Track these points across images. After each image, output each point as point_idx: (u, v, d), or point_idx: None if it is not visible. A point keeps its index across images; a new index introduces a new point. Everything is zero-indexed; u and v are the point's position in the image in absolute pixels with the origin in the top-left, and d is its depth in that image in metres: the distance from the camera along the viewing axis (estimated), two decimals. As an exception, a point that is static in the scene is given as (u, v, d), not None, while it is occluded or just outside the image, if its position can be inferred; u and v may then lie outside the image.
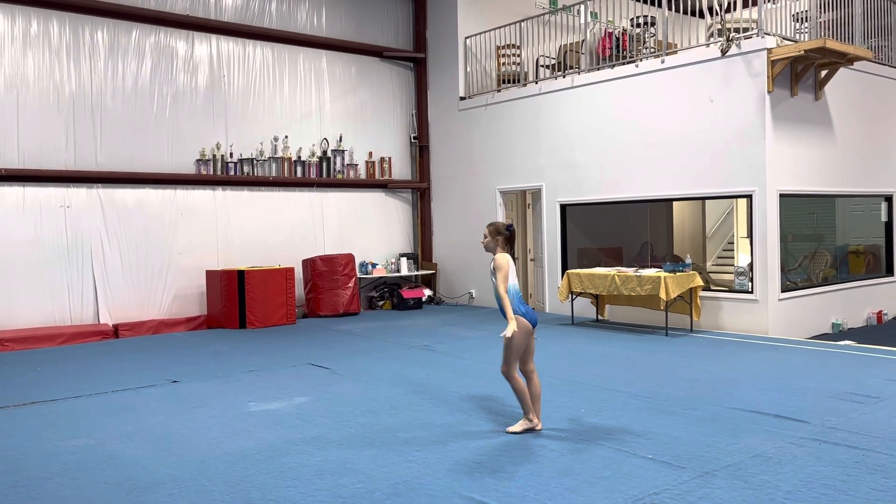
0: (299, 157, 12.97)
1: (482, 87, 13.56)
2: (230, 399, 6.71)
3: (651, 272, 9.77)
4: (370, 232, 13.87)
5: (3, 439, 5.52)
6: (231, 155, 12.16)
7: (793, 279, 10.23)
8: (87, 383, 7.43)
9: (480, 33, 13.43)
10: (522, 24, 12.68)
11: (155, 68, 11.47)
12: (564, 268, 11.92)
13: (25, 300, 10.23)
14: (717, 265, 13.14)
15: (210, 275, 11.62)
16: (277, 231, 12.66)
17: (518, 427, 5.45)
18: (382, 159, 14.06)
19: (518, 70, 12.88)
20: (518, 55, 12.88)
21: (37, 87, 10.44)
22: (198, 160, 11.83)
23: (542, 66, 12.87)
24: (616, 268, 10.59)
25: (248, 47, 12.47)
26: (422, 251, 14.57)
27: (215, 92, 12.07)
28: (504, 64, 13.03)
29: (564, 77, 11.97)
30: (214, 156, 11.95)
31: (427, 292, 13.75)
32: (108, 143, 10.98)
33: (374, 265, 13.59)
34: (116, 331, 10.79)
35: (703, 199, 10.85)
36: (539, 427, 5.46)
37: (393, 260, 14.00)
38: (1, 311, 10.03)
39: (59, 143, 10.59)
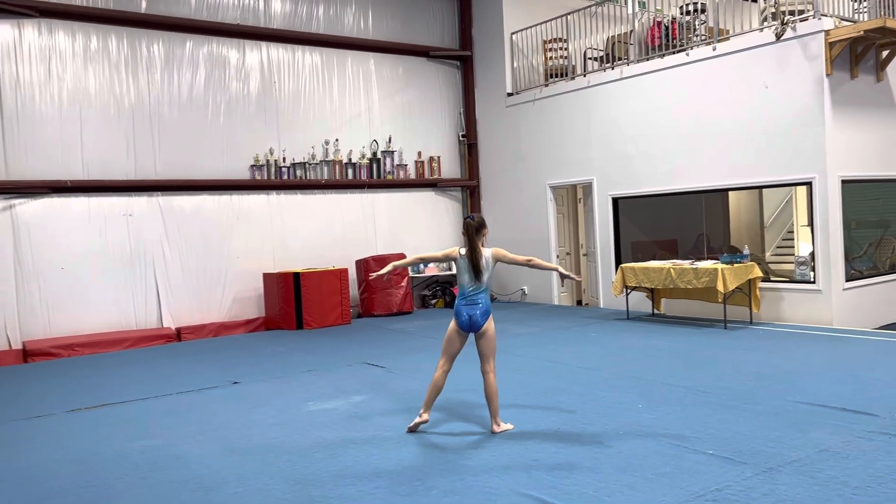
0: (350, 160, 13.13)
1: (529, 83, 13.49)
2: (289, 399, 6.85)
3: (708, 264, 9.58)
4: (421, 231, 13.95)
5: (76, 441, 5.76)
6: (284, 159, 12.39)
7: (857, 267, 9.89)
8: (153, 386, 7.68)
9: (526, 28, 13.36)
10: (569, 17, 12.56)
11: (209, 77, 11.76)
12: (618, 262, 11.78)
13: (93, 306, 10.62)
14: (776, 255, 12.78)
15: (267, 277, 11.87)
16: (330, 233, 12.84)
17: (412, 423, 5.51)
18: (431, 158, 14.12)
19: (565, 64, 12.77)
20: (565, 49, 12.77)
21: (98, 100, 10.82)
22: (252, 165, 12.09)
23: (589, 58, 12.73)
24: (671, 260, 10.40)
25: (297, 53, 12.68)
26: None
27: (267, 98, 12.31)
28: (551, 58, 12.94)
29: (613, 69, 11.82)
30: (268, 161, 12.19)
31: (479, 290, 13.75)
32: (165, 151, 11.32)
33: (426, 264, 13.66)
34: (179, 334, 11.11)
35: (761, 188, 10.57)
36: (425, 419, 5.48)
37: (445, 258, 14.03)
38: (71, 318, 10.44)
39: (121, 154, 10.96)
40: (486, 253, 5.53)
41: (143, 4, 11.17)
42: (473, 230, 5.50)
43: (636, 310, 11.13)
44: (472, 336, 5.61)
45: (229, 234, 11.87)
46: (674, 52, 10.92)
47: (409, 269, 13.30)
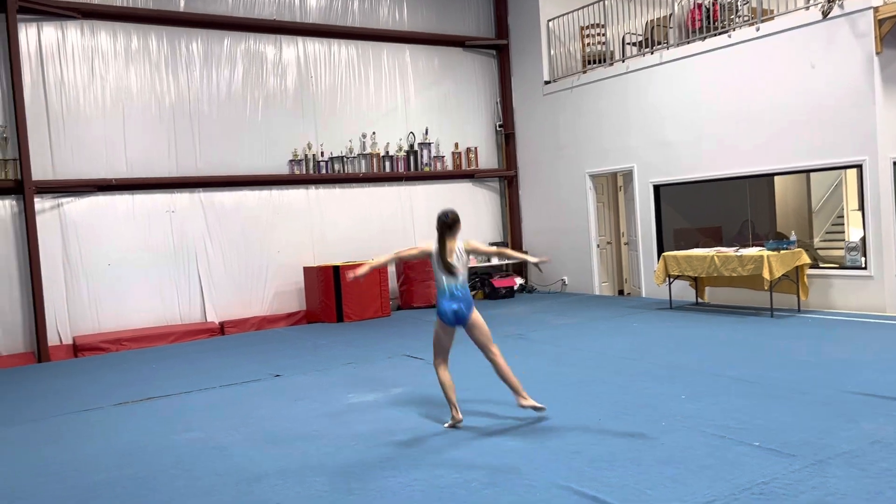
0: (387, 152, 13.14)
1: (567, 70, 13.31)
2: (330, 391, 6.89)
3: (753, 251, 9.34)
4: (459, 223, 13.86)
5: (122, 433, 5.88)
6: (322, 154, 12.46)
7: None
8: (197, 379, 7.80)
9: (563, 15, 13.17)
10: (606, 2, 12.34)
11: (246, 74, 11.87)
12: (660, 250, 11.57)
13: (139, 301, 10.84)
14: (825, 241, 12.40)
15: (307, 271, 11.97)
16: (369, 226, 12.88)
17: (448, 423, 5.40)
18: (468, 149, 14.05)
19: (603, 50, 12.56)
20: (603, 34, 12.56)
21: (140, 99, 11.01)
22: (290, 160, 12.18)
23: (628, 43, 12.50)
24: (715, 248, 10.17)
25: (332, 46, 12.71)
26: (511, 239, 14.49)
27: (304, 93, 12.38)
28: (589, 44, 12.74)
29: (653, 53, 11.58)
30: (306, 155, 12.28)
31: (518, 281, 13.68)
32: (206, 148, 11.47)
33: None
34: (222, 328, 11.28)
35: (808, 171, 10.26)
36: (460, 420, 5.36)
37: (483, 249, 13.97)
38: (118, 313, 10.68)
39: (162, 152, 11.14)
40: (459, 245, 5.50)
41: (182, 3, 11.32)
42: (447, 227, 5.48)
43: (679, 299, 10.92)
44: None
45: (270, 229, 11.99)
46: (715, 35, 10.65)
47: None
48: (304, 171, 12.25)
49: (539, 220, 14.08)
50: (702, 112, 10.80)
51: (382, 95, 13.22)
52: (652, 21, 12.09)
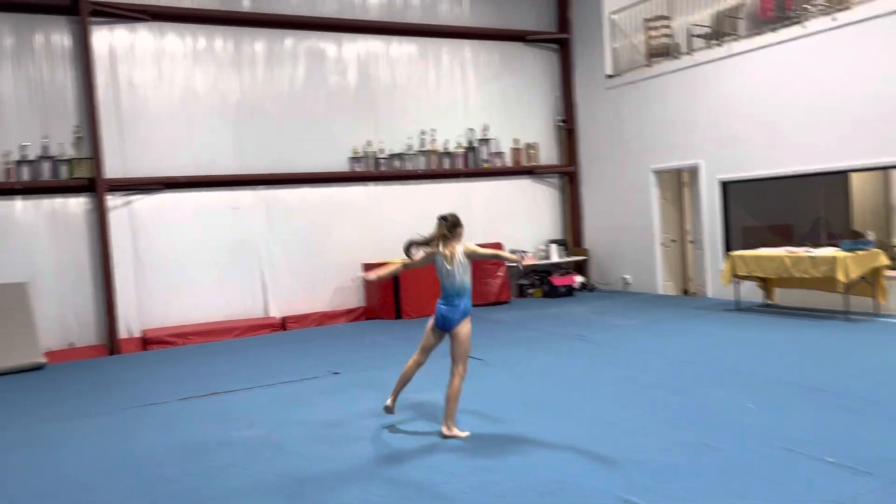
0: (446, 149, 13.10)
1: (631, 64, 12.99)
2: (387, 390, 6.81)
3: (826, 252, 8.93)
4: (518, 219, 13.77)
5: (186, 428, 6.01)
6: (381, 151, 12.50)
7: None
8: (259, 375, 7.93)
9: (627, 7, 12.86)
10: (672, -7, 11.99)
11: (308, 72, 12.00)
12: (727, 249, 11.20)
13: (204, 297, 11.11)
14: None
15: (366, 268, 12.03)
16: (427, 222, 12.64)
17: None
18: (528, 145, 13.89)
19: (669, 42, 12.21)
20: (668, 27, 12.20)
21: (206, 98, 11.25)
22: (351, 158, 12.27)
23: (695, 35, 12.09)
24: (786, 248, 9.78)
25: (393, 44, 12.73)
26: (572, 237, 14.27)
27: (364, 90, 12.45)
28: (653, 37, 12.40)
29: (721, 45, 11.19)
30: (366, 153, 12.34)
31: (578, 279, 13.46)
32: (269, 146, 11.65)
33: (523, 253, 13.47)
34: (284, 323, 11.46)
35: (889, 168, 9.74)
36: (390, 408, 5.51)
37: (542, 247, 13.82)
38: (184, 307, 10.96)
39: (227, 150, 11.37)
40: (459, 249, 5.33)
41: (247, 3, 11.50)
42: (447, 230, 5.35)
43: (747, 299, 10.55)
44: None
45: (330, 226, 12.11)
46: (788, 25, 10.20)
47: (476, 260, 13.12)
48: (364, 169, 12.32)
49: (600, 217, 13.82)
50: (773, 106, 10.38)
51: (442, 92, 13.18)
52: (721, 12, 11.66)
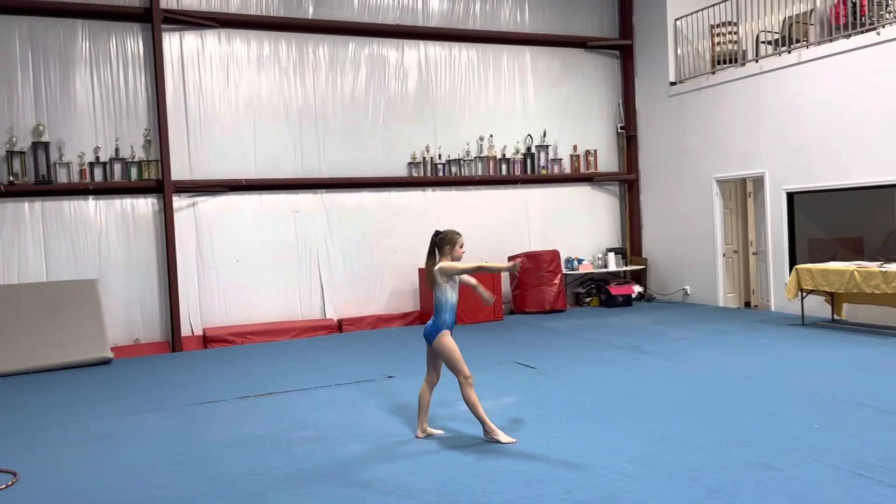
0: (504, 155, 13.08)
1: (694, 70, 12.75)
2: (440, 396, 6.86)
3: (899, 267, 8.57)
4: (576, 227, 13.64)
5: (243, 428, 6.14)
6: (439, 156, 12.57)
7: None
8: (314, 376, 8.05)
9: (692, 13, 12.62)
10: (739, -2, 11.72)
11: (369, 78, 12.15)
12: (792, 262, 10.86)
13: (263, 297, 11.35)
14: None
15: (422, 272, 12.10)
16: (483, 229, 12.86)
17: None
18: (588, 152, 13.75)
19: (735, 49, 11.93)
20: (735, 33, 11.93)
21: (269, 103, 11.51)
22: (409, 163, 12.37)
23: (762, 42, 11.80)
24: (855, 262, 9.43)
25: (453, 50, 12.79)
26: (631, 246, 14.06)
27: (424, 96, 12.53)
28: (719, 43, 12.14)
29: (790, 52, 10.88)
30: (424, 158, 12.42)
31: (637, 289, 13.25)
32: (329, 150, 11.84)
33: (580, 261, 13.35)
34: (340, 325, 11.61)
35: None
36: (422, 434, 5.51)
37: (600, 255, 13.66)
38: (244, 307, 11.22)
39: (289, 154, 11.60)
40: (435, 267, 5.32)
41: (311, 10, 11.72)
42: (434, 246, 5.36)
43: (813, 314, 10.20)
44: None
45: (387, 230, 12.23)
46: (862, 32, 9.85)
47: (564, 266, 13.05)
48: (422, 174, 12.40)
49: (661, 226, 13.58)
50: (844, 115, 10.03)
51: (501, 98, 13.17)
52: (790, 18, 11.35)
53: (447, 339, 5.45)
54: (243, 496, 4.53)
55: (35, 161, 10.06)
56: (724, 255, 12.34)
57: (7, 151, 9.95)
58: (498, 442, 5.30)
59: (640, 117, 13.89)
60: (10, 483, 4.94)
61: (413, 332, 11.11)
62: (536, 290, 12.36)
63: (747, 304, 12.53)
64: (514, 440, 5.33)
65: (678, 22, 12.90)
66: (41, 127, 10.13)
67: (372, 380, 7.79)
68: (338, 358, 9.21)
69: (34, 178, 10.06)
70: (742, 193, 12.63)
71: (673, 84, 13.03)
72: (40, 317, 9.57)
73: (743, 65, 11.71)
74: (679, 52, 13.00)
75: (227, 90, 11.25)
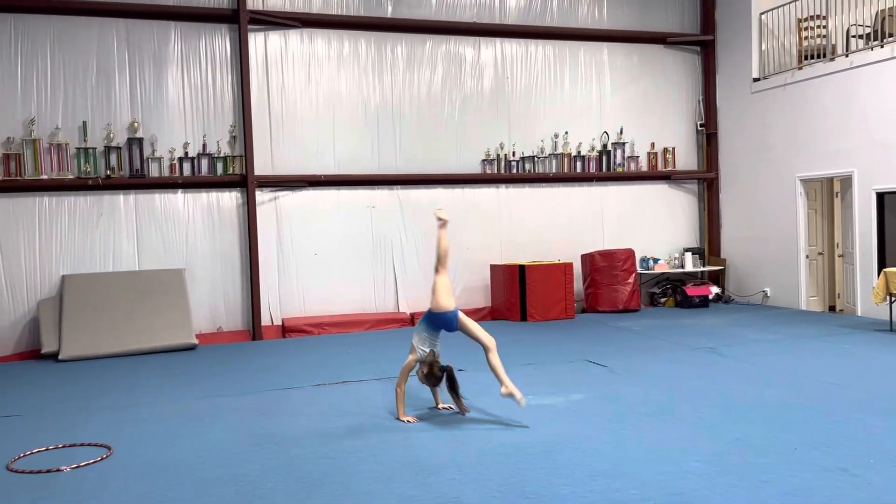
0: (579, 152, 13.00)
1: (780, 66, 12.35)
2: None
3: None
4: (652, 226, 13.43)
5: (319, 413, 6.38)
6: (513, 153, 12.60)
7: None
8: (387, 367, 8.21)
9: (778, 7, 12.23)
10: (829, -10, 11.29)
11: (445, 75, 12.30)
12: (881, 265, 10.40)
13: (340, 289, 11.67)
14: None
15: (494, 269, 12.19)
16: (556, 226, 12.84)
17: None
18: (665, 150, 13.51)
19: (823, 43, 11.50)
20: (824, 27, 11.49)
21: (348, 101, 11.81)
22: (483, 160, 12.46)
23: (853, 36, 11.33)
24: (950, 267, 8.96)
25: (529, 47, 12.80)
26: (709, 246, 13.74)
27: (499, 93, 12.59)
28: (807, 38, 11.72)
29: (883, 47, 10.42)
30: (498, 155, 12.49)
31: (714, 290, 12.94)
32: (405, 147, 12.06)
33: (655, 260, 13.13)
34: (413, 318, 11.81)
35: None
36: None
37: (676, 255, 13.40)
38: (321, 299, 11.56)
39: (366, 151, 11.87)
40: None
41: (390, 9, 11.95)
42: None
43: (902, 321, 9.76)
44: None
45: (460, 226, 12.31)
46: (963, 24, 9.35)
47: (639, 266, 12.88)
48: (496, 171, 12.47)
49: (740, 225, 13.22)
50: (941, 112, 9.55)
51: (577, 94, 13.09)
52: (883, 11, 10.85)
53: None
54: (317, 477, 4.73)
55: (130, 156, 10.65)
56: (807, 256, 11.92)
57: (105, 147, 10.57)
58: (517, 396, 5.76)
59: (721, 114, 13.55)
60: (104, 456, 5.30)
61: (485, 328, 11.18)
62: (610, 288, 12.24)
63: (832, 309, 12.07)
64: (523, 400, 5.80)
65: (763, 16, 12.51)
66: (136, 124, 10.71)
67: (443, 372, 7.91)
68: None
69: (129, 171, 10.65)
70: (828, 193, 12.17)
71: (756, 80, 12.65)
72: (132, 304, 10.14)
73: (832, 60, 11.28)
74: (763, 47, 12.61)
75: (309, 88, 11.60)
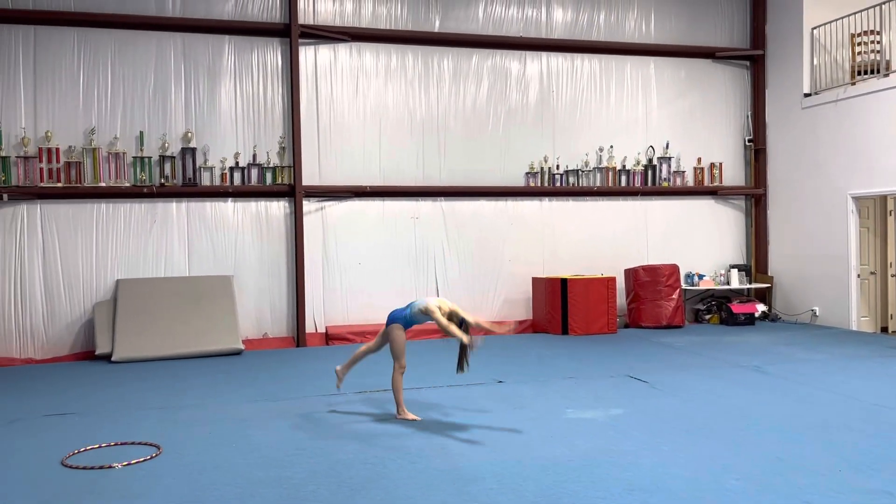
0: (623, 166, 12.96)
1: (832, 82, 12.14)
2: (548, 403, 7.00)
3: None
4: (697, 241, 13.28)
5: (360, 420, 6.50)
6: (557, 167, 12.62)
7: None
8: (428, 377, 8.33)
9: (830, 22, 12.04)
10: (884, 5, 11.06)
11: (491, 89, 12.40)
12: (936, 286, 10.12)
13: (382, 299, 11.70)
14: None
15: (536, 282, 12.21)
16: (600, 240, 12.79)
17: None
18: (712, 165, 13.37)
19: (878, 59, 11.28)
20: (878, 42, 11.28)
21: (394, 113, 11.99)
22: (527, 173, 12.51)
23: (909, 51, 11.10)
24: None
25: (576, 61, 12.82)
26: (755, 263, 13.52)
27: (544, 107, 12.64)
28: (860, 53, 11.52)
29: (939, 62, 10.18)
30: (542, 168, 12.52)
31: (760, 307, 12.72)
32: (450, 160, 12.18)
33: (700, 276, 12.98)
34: (454, 330, 11.88)
35: None
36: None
37: (722, 272, 13.22)
38: (364, 307, 11.70)
39: (411, 162, 12.03)
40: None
41: (437, 24, 12.13)
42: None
43: (958, 344, 9.47)
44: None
45: (503, 238, 12.41)
46: None
47: (683, 281, 12.75)
48: (539, 184, 12.50)
49: (789, 243, 12.98)
50: None
51: (623, 108, 13.06)
52: (941, 25, 10.62)
53: (399, 332, 6.62)
54: (358, 482, 4.83)
55: (183, 165, 10.99)
56: (858, 275, 11.65)
57: (160, 156, 10.94)
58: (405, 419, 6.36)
59: (770, 130, 13.36)
60: (154, 455, 5.50)
61: (525, 341, 11.24)
62: (653, 304, 12.14)
63: (884, 329, 11.77)
64: (418, 418, 6.41)
65: (815, 31, 12.33)
66: (189, 134, 11.06)
67: (483, 383, 7.98)
68: (451, 361, 9.40)
69: (182, 180, 10.99)
70: (881, 211, 11.89)
71: (807, 95, 12.46)
72: (182, 308, 10.44)
73: (886, 75, 11.05)
74: (815, 62, 12.42)
75: (356, 100, 11.83)
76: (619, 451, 5.40)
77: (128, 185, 10.79)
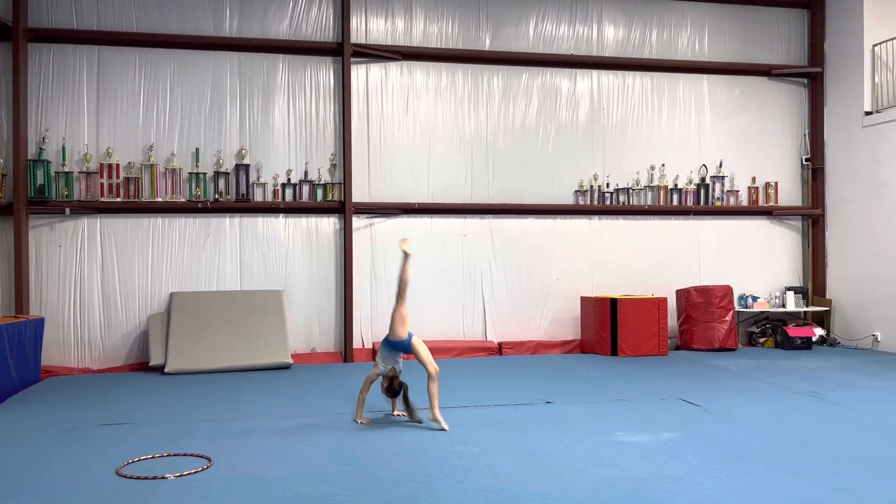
0: (675, 185, 12.76)
1: (894, 100, 11.77)
2: (598, 425, 6.88)
3: None
4: (751, 262, 12.97)
5: (407, 437, 6.48)
6: (607, 185, 12.50)
7: None
8: (475, 395, 8.29)
9: (892, 39, 11.70)
10: (950, 20, 10.72)
11: (541, 107, 12.38)
12: None
13: (429, 316, 11.79)
14: None
15: (584, 301, 12.06)
16: (650, 260, 12.59)
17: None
18: (767, 184, 13.07)
19: (943, 75, 10.91)
20: (943, 58, 10.91)
21: (444, 131, 12.06)
22: (576, 191, 12.41)
23: (977, 67, 10.71)
24: None
25: (627, 79, 12.72)
26: (813, 285, 13.13)
27: (594, 125, 12.56)
28: (924, 70, 11.15)
29: None
30: (591, 186, 12.41)
31: (818, 331, 12.32)
32: (498, 177, 12.17)
33: (754, 298, 12.65)
34: (500, 348, 11.82)
35: None
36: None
37: (777, 294, 12.87)
38: (411, 325, 11.69)
39: (460, 180, 12.06)
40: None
41: (487, 42, 12.18)
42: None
43: None
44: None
45: (551, 257, 12.31)
46: None
47: (737, 303, 12.45)
48: (589, 202, 12.39)
49: (848, 265, 12.58)
50: None
51: (675, 127, 12.89)
52: None
53: (420, 341, 7.10)
54: (405, 500, 4.81)
55: (237, 181, 11.22)
56: (923, 300, 11.21)
57: (215, 172, 11.19)
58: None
59: (829, 149, 13.01)
60: (205, 467, 5.57)
61: (573, 361, 11.09)
62: (706, 326, 11.87)
63: (950, 357, 11.26)
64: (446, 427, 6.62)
65: (876, 48, 12.00)
66: (244, 150, 11.30)
67: (531, 403, 7.89)
68: (498, 379, 9.39)
69: (235, 196, 11.22)
70: (948, 233, 11.44)
71: (868, 114, 12.11)
72: (233, 322, 10.62)
73: (952, 93, 10.67)
74: (877, 79, 12.07)
75: (406, 118, 11.94)
76: (672, 477, 5.26)
77: (183, 200, 11.05)
